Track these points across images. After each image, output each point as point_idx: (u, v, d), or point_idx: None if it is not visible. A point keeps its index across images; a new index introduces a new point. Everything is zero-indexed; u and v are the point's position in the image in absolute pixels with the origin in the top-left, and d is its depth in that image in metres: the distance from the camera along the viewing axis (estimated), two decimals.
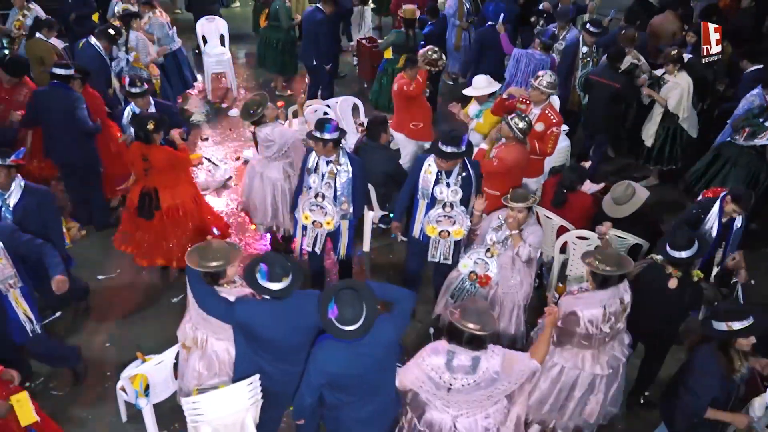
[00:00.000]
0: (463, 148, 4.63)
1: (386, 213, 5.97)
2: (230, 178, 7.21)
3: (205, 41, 8.87)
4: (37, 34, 6.82)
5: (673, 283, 4.04)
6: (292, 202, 5.45)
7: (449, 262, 4.99)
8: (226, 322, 3.55)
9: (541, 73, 5.58)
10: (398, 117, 6.52)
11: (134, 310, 5.42)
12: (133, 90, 5.40)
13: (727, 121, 6.36)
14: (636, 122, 7.12)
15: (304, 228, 4.94)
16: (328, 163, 4.72)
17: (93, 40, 6.49)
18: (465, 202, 4.82)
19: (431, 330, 5.25)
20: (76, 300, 5.22)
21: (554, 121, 5.55)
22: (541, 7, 8.37)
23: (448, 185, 4.72)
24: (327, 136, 4.54)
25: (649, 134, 6.73)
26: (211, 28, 8.83)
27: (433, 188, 4.74)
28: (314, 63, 7.90)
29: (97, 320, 5.29)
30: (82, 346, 4.91)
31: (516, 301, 4.67)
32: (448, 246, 4.95)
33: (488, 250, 4.63)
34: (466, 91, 6.19)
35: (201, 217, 5.43)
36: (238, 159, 7.60)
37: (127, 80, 5.43)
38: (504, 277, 4.61)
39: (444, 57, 6.68)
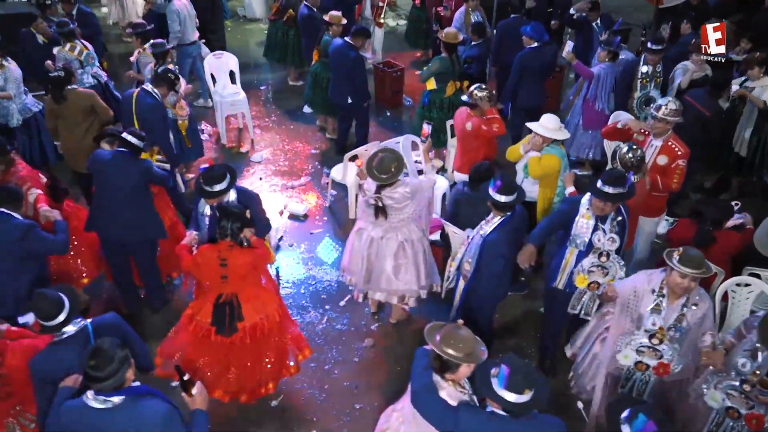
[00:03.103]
0: (627, 188, 4.06)
1: None
2: (281, 238, 6.33)
3: (213, 80, 7.90)
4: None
5: None
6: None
7: (590, 318, 4.45)
8: (440, 429, 2.94)
9: (662, 101, 5.00)
10: (467, 157, 5.80)
11: (230, 423, 4.49)
12: (207, 189, 4.21)
13: None
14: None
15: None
16: (486, 220, 4.41)
17: (149, 86, 5.54)
18: (620, 250, 4.27)
19: (580, 405, 4.60)
20: None
21: (679, 153, 4.98)
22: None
23: (604, 232, 4.18)
24: (504, 199, 4.25)
25: (743, 145, 6.34)
26: (220, 64, 7.86)
27: (591, 236, 4.20)
28: (349, 101, 7.08)
29: None
30: None
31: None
32: (593, 299, 4.40)
33: (653, 335, 3.82)
34: (532, 126, 5.24)
35: (283, 333, 4.39)
36: (281, 213, 6.71)
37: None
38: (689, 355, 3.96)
39: (493, 92, 5.88)
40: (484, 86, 5.64)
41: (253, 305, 4.15)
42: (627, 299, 3.90)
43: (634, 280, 3.95)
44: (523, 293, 5.65)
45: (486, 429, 2.82)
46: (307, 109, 8.53)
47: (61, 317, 3.22)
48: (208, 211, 4.39)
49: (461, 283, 4.63)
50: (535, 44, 6.82)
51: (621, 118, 6.42)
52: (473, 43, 7.33)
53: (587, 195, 4.27)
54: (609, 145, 6.41)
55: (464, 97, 5.67)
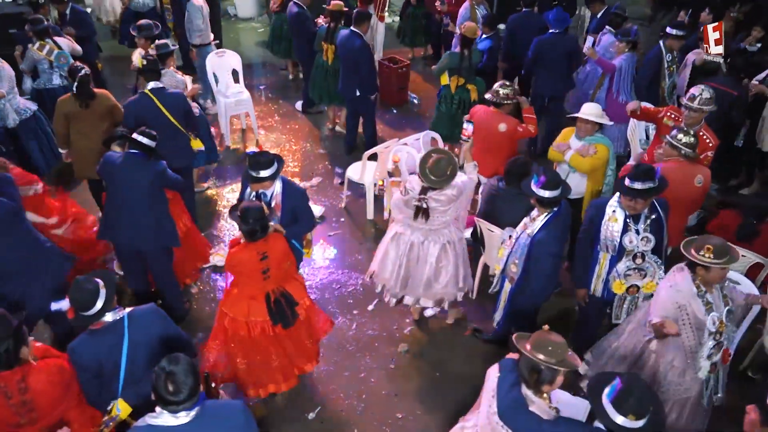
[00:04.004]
0: (657, 181, 3.90)
1: None
2: None
3: (215, 79, 7.60)
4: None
5: None
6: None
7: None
8: None
9: (694, 90, 4.86)
10: (489, 157, 5.50)
11: None
12: (253, 174, 4.08)
13: None
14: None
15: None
16: (530, 217, 4.20)
17: (157, 84, 5.29)
18: (657, 249, 4.09)
19: None
20: None
21: (710, 144, 4.88)
22: None
23: (637, 232, 3.99)
24: (549, 194, 4.01)
25: (765, 140, 6.22)
26: (222, 63, 7.58)
27: (621, 238, 4.01)
28: (357, 94, 6.88)
29: None
30: None
31: None
32: (634, 303, 4.24)
33: (716, 333, 3.54)
34: (581, 113, 5.04)
35: (314, 310, 4.36)
36: None
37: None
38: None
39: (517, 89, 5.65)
40: (507, 83, 5.46)
41: (293, 287, 4.08)
42: (677, 317, 3.55)
43: (664, 297, 3.61)
44: (557, 291, 5.47)
45: None
46: (298, 106, 8.34)
47: (98, 306, 3.08)
48: (254, 197, 4.26)
49: (507, 286, 4.43)
50: (554, 30, 6.73)
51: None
52: (484, 36, 7.16)
53: (615, 196, 4.10)
54: (632, 136, 6.30)
55: (488, 96, 5.47)
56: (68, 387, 3.18)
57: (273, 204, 4.20)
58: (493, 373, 3.04)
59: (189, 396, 2.49)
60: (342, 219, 6.42)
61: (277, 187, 4.21)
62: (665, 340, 3.61)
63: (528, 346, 2.80)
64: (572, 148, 5.08)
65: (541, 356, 2.76)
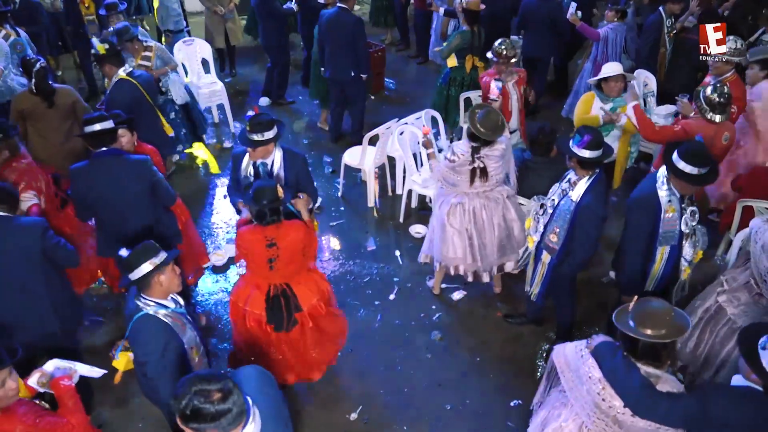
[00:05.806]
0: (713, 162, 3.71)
1: None
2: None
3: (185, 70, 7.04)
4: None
5: None
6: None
7: (685, 293, 4.06)
8: (684, 426, 2.50)
9: None
10: None
11: None
12: (255, 137, 3.75)
13: None
14: None
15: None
16: (570, 182, 3.89)
17: (129, 69, 4.92)
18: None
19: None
20: None
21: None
22: None
23: (684, 211, 3.72)
24: (589, 154, 3.70)
25: None
26: (191, 52, 7.04)
27: (680, 224, 3.72)
28: (352, 75, 6.46)
29: None
30: None
31: None
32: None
33: None
34: (611, 72, 4.81)
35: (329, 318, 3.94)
36: None
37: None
38: None
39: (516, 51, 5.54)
40: (507, 40, 5.29)
41: (307, 286, 3.70)
42: None
43: None
44: None
45: (746, 411, 2.38)
46: (263, 101, 7.84)
47: (135, 275, 2.83)
48: (252, 171, 3.97)
49: (545, 258, 4.14)
50: None
51: (642, 76, 6.24)
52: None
53: (659, 182, 3.69)
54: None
55: (489, 55, 5.31)
56: None
57: (274, 175, 3.91)
58: (580, 364, 2.70)
59: (237, 400, 1.99)
60: (342, 208, 6.03)
61: (277, 156, 3.92)
62: None
63: (632, 323, 2.57)
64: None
65: (648, 332, 2.54)
